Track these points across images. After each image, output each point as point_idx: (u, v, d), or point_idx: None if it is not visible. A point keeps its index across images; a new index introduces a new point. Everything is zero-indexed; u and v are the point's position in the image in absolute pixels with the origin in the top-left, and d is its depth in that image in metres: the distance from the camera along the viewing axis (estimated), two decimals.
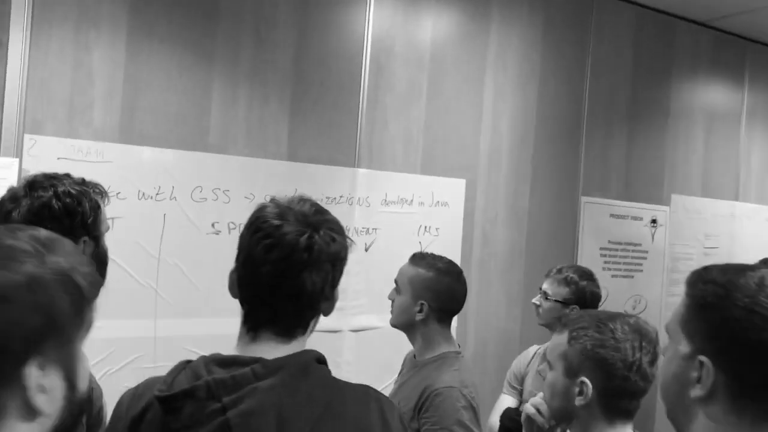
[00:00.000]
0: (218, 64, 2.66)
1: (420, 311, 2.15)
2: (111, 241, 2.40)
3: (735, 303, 0.91)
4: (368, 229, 2.95)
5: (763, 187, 4.47)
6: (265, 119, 2.74)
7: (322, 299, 1.20)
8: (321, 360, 1.19)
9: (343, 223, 2.96)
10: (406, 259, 2.28)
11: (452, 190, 3.19)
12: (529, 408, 1.68)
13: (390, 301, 2.23)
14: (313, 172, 2.81)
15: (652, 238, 3.90)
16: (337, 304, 2.96)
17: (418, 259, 2.24)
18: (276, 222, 1.16)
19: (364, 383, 1.22)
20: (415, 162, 3.11)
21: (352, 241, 1.29)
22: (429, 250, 2.40)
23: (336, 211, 2.80)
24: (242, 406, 1.06)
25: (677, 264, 4.01)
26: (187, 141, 2.59)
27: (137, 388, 1.18)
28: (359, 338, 2.93)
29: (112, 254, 2.41)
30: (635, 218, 3.83)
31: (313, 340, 2.96)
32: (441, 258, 2.26)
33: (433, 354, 2.17)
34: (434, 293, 2.16)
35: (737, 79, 4.32)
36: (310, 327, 1.22)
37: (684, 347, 0.96)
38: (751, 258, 3.32)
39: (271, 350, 1.14)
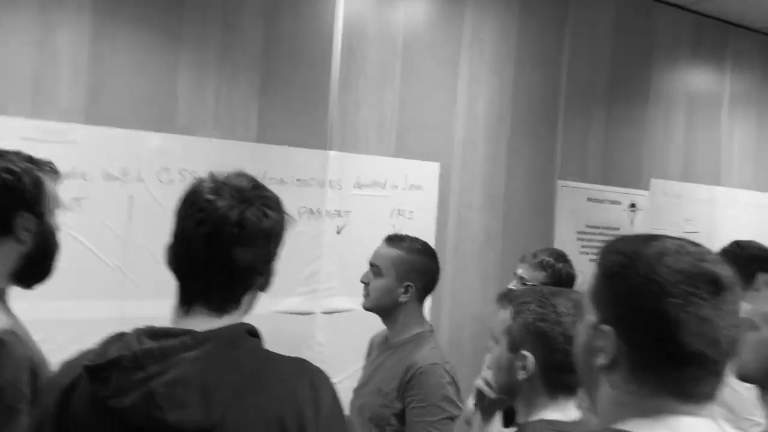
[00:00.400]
0: (185, 45, 2.65)
1: (405, 293, 2.19)
2: (77, 221, 2.42)
3: (636, 272, 0.92)
4: (340, 211, 2.95)
5: (744, 172, 4.47)
6: (234, 101, 2.74)
7: (256, 274, 1.21)
8: (253, 333, 1.19)
9: (315, 205, 2.99)
10: (379, 242, 2.30)
11: (426, 173, 3.19)
12: (478, 382, 1.70)
13: (362, 284, 2.25)
14: (283, 154, 2.81)
15: (631, 222, 3.90)
16: (310, 287, 2.99)
17: (396, 241, 2.27)
18: (210, 196, 1.18)
19: (299, 357, 1.23)
20: (388, 145, 3.11)
21: (291, 217, 1.29)
22: (398, 234, 2.41)
23: (307, 194, 2.86)
24: (167, 375, 1.06)
25: None
26: (154, 122, 2.58)
27: (72, 358, 1.20)
28: (331, 320, 2.94)
29: (79, 235, 2.43)
30: (613, 202, 3.84)
31: (286, 322, 2.97)
32: (416, 239, 2.30)
33: (409, 334, 2.21)
34: (418, 274, 2.21)
35: (719, 64, 4.30)
36: (245, 302, 1.22)
37: (592, 316, 0.97)
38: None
39: (203, 323, 1.15)
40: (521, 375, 1.47)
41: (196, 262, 1.18)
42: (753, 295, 1.61)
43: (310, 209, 2.87)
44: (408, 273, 2.19)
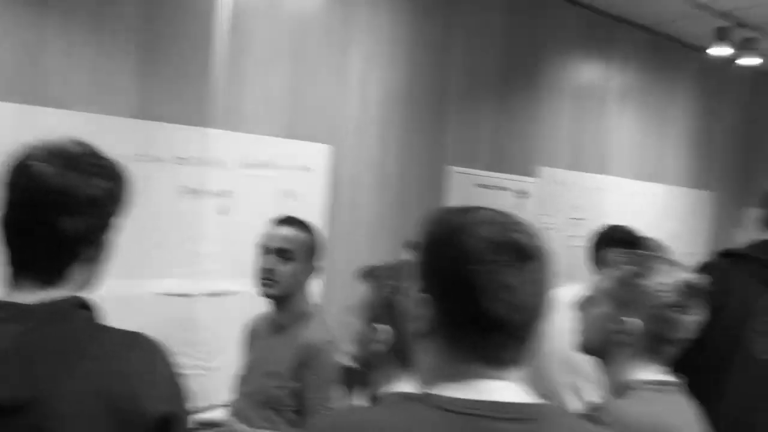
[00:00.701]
0: (53, 10, 2.49)
1: (311, 274, 2.24)
2: None
3: (447, 242, 0.95)
4: (224, 191, 2.89)
5: (630, 162, 4.68)
6: (110, 73, 2.62)
7: (85, 245, 1.16)
8: (86, 306, 1.15)
9: (196, 185, 2.91)
10: (265, 224, 2.28)
11: (316, 155, 3.17)
12: (342, 356, 1.72)
13: (263, 270, 2.20)
14: (163, 130, 2.72)
15: (520, 208, 4.01)
16: (191, 268, 2.92)
17: (296, 223, 2.27)
18: (36, 163, 1.14)
19: (134, 330, 1.20)
20: (276, 125, 3.06)
21: (130, 187, 1.25)
22: (291, 216, 2.40)
23: (188, 173, 2.77)
24: None
25: (544, 234, 4.15)
26: (20, 93, 2.44)
27: None
28: (215, 303, 2.89)
29: None
30: (503, 189, 3.94)
31: (165, 304, 2.88)
32: (304, 220, 2.31)
33: (298, 314, 2.22)
34: (318, 254, 2.27)
35: (606, 57, 4.47)
36: (77, 274, 1.17)
37: (415, 286, 1.00)
38: None
39: (31, 296, 1.11)
40: (378, 348, 1.51)
41: (22, 231, 1.14)
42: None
43: (191, 188, 2.80)
44: (314, 255, 2.24)
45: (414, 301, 0.99)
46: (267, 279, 2.19)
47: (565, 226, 4.26)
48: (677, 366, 2.19)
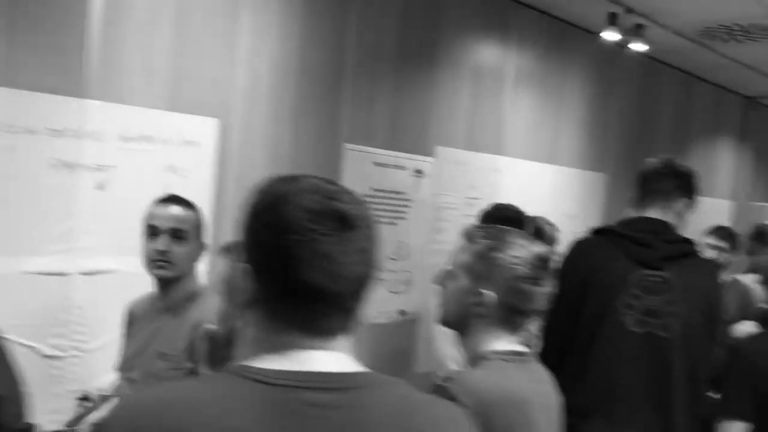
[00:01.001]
0: None
1: (201, 253, 2.22)
2: None
3: (265, 211, 0.94)
4: (102, 166, 2.75)
5: (526, 143, 4.77)
6: None
7: None
8: None
9: (71, 158, 2.76)
10: (148, 200, 2.22)
11: (203, 129, 3.07)
12: (208, 327, 1.71)
13: (157, 252, 2.14)
14: (33, 100, 2.55)
15: (416, 187, 4.04)
16: (64, 246, 2.78)
17: (183, 201, 2.22)
18: None
19: None
20: (158, 97, 2.93)
21: None
22: (176, 192, 2.34)
23: (61, 145, 2.63)
24: None
25: (441, 213, 4.20)
26: None
27: None
28: (91, 282, 2.76)
29: None
30: (399, 167, 3.94)
31: (37, 283, 2.75)
32: (186, 197, 2.26)
33: (184, 293, 2.18)
34: (204, 233, 2.25)
35: (504, 38, 4.52)
36: None
37: (238, 258, 0.97)
38: None
39: None
40: (240, 325, 1.50)
41: None
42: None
43: (66, 162, 2.65)
44: (202, 234, 2.22)
45: (239, 272, 0.97)
46: (161, 261, 2.14)
47: (462, 206, 4.32)
48: (550, 339, 2.25)
